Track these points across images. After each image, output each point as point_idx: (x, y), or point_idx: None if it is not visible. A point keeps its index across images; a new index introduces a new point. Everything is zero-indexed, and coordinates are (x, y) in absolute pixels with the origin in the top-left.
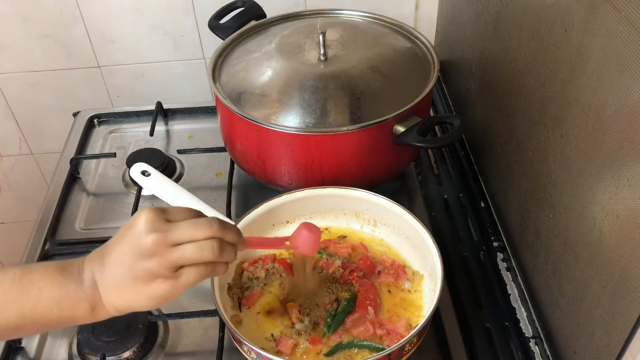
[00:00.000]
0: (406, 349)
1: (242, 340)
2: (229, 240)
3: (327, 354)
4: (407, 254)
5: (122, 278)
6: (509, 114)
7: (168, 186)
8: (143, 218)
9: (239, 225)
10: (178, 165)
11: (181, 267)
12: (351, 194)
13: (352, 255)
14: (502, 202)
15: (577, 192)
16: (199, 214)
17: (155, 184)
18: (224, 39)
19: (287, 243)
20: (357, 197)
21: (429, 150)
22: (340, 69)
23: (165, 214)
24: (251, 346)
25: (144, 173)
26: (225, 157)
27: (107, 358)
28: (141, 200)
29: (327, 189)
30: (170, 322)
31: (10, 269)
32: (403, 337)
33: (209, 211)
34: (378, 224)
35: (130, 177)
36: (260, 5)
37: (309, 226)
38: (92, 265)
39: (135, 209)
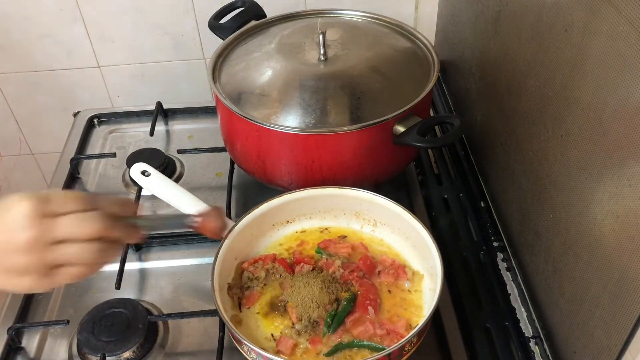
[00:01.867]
0: (406, 349)
1: (242, 340)
2: (114, 237)
3: (327, 354)
4: (407, 254)
5: None
6: (509, 114)
7: (168, 186)
8: (22, 209)
9: (238, 227)
10: (178, 165)
11: (54, 268)
12: (351, 194)
13: (352, 255)
14: (502, 202)
15: (577, 192)
16: (90, 203)
17: (155, 184)
18: (224, 39)
19: (194, 220)
20: (357, 197)
21: (429, 150)
22: (340, 69)
23: (48, 204)
24: (251, 346)
25: (144, 173)
26: (225, 157)
27: (107, 358)
28: (141, 200)
29: (327, 189)
30: (170, 322)
31: None
32: (403, 337)
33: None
34: (378, 224)
35: (130, 177)
36: (260, 5)
37: (216, 213)
38: None
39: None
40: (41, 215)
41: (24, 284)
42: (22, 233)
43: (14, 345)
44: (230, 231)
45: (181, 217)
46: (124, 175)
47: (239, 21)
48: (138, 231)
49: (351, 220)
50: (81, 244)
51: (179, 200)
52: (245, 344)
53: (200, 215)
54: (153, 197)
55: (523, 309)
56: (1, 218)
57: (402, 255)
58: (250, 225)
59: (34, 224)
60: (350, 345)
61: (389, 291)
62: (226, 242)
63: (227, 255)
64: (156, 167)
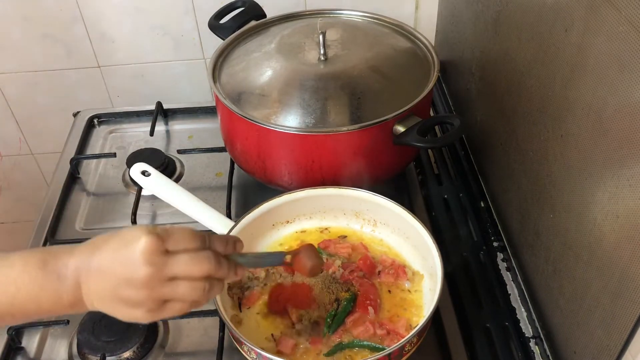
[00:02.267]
0: (406, 349)
1: (242, 340)
2: (220, 276)
3: (327, 354)
4: (407, 254)
5: (105, 293)
6: (509, 114)
7: (168, 186)
8: (142, 245)
9: (238, 227)
10: (178, 165)
11: (164, 303)
12: (351, 194)
13: (352, 255)
14: (502, 202)
15: (577, 192)
16: (202, 242)
17: (155, 184)
18: (224, 39)
19: (288, 258)
20: (357, 197)
21: (429, 150)
22: (340, 69)
23: (165, 243)
24: (251, 346)
25: (144, 173)
26: (225, 157)
27: (107, 358)
28: (141, 200)
29: (327, 189)
30: (170, 322)
31: None
32: (403, 337)
33: (208, 212)
34: (378, 224)
35: (131, 177)
36: (260, 5)
37: (309, 252)
38: (78, 263)
39: (135, 209)
40: (159, 253)
41: (134, 315)
42: (141, 269)
43: (14, 345)
44: (229, 231)
45: (277, 256)
46: (124, 175)
47: (239, 21)
48: (240, 269)
49: (351, 221)
50: (192, 282)
51: (179, 200)
52: (245, 344)
53: (293, 253)
54: (153, 197)
55: (523, 309)
56: (125, 250)
57: (402, 255)
58: (250, 225)
59: (154, 261)
60: (350, 345)
61: (389, 291)
62: None
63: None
64: (156, 167)
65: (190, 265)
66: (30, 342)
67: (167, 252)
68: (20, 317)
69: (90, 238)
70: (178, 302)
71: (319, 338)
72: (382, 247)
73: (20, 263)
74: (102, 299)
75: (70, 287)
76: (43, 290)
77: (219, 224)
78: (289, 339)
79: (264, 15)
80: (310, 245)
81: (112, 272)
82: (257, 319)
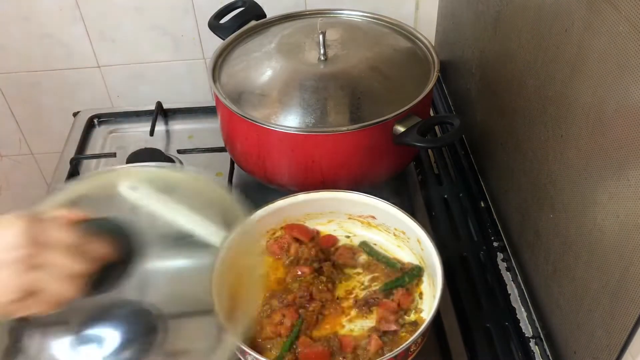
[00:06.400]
0: (411, 350)
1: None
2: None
3: None
4: (406, 255)
5: None
6: (509, 114)
7: (157, 200)
8: (18, 229)
9: (230, 238)
10: (178, 165)
11: (31, 293)
12: (346, 197)
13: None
14: (502, 202)
15: (577, 192)
16: (79, 233)
17: (143, 198)
18: (224, 39)
19: None
20: (352, 200)
21: (429, 150)
22: (340, 69)
23: (42, 228)
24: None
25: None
26: (225, 157)
27: (107, 358)
28: None
29: (320, 193)
30: (171, 322)
31: None
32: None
33: (201, 222)
34: (375, 224)
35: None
36: (260, 5)
37: None
38: None
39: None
40: (36, 237)
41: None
42: (11, 252)
43: (14, 345)
44: (222, 242)
45: None
46: None
47: (239, 21)
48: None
49: (346, 223)
50: (59, 275)
51: (171, 215)
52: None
53: None
54: None
55: (523, 309)
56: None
57: (401, 256)
58: (244, 234)
59: (29, 244)
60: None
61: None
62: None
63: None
64: None
65: (63, 257)
66: (30, 342)
67: (42, 242)
68: None
69: None
70: (43, 297)
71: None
72: (380, 248)
73: None
74: None
75: None
76: None
77: (212, 234)
78: None
79: (264, 15)
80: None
81: None
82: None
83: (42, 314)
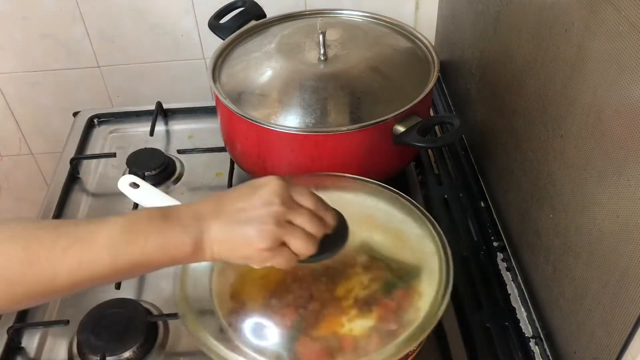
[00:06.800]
0: (411, 350)
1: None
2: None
3: None
4: (406, 254)
5: (232, 233)
6: (509, 113)
7: (158, 198)
8: (276, 186)
9: None
10: (178, 165)
11: (281, 245)
12: (347, 197)
13: None
14: (502, 202)
15: (577, 192)
16: (317, 202)
17: (144, 195)
18: (224, 39)
19: None
20: (353, 199)
21: (429, 150)
22: (340, 69)
23: (292, 191)
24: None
25: (134, 184)
26: (225, 157)
27: (107, 358)
28: None
29: (321, 192)
30: (170, 322)
31: (117, 220)
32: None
33: None
34: (375, 224)
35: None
36: (260, 5)
37: None
38: (201, 212)
39: (135, 209)
40: (289, 196)
41: (252, 253)
42: (271, 207)
43: (14, 345)
44: None
45: None
46: (124, 175)
47: (239, 21)
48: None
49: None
50: (305, 234)
51: None
52: None
53: None
54: None
55: (523, 309)
56: (254, 194)
57: (401, 255)
58: None
59: (285, 202)
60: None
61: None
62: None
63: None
64: (156, 167)
65: (309, 220)
66: (30, 342)
67: (290, 202)
68: (147, 266)
69: None
70: (287, 251)
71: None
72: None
73: (144, 217)
74: (225, 241)
75: (193, 233)
76: (168, 239)
77: None
78: None
79: (264, 15)
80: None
81: (243, 211)
82: None
83: (281, 266)
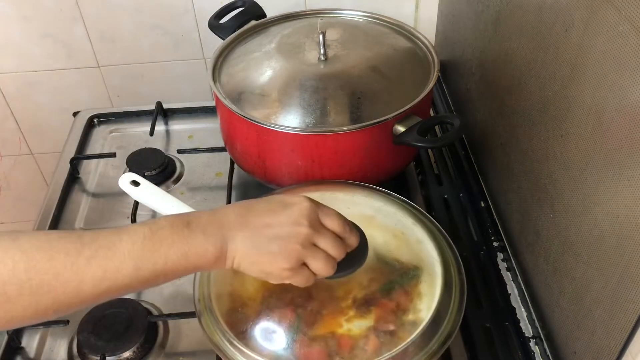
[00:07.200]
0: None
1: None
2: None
3: None
4: (405, 255)
5: (256, 247)
6: (509, 114)
7: (159, 196)
8: (306, 208)
9: None
10: (178, 165)
11: (302, 265)
12: (346, 197)
13: None
14: (502, 202)
15: (577, 192)
16: (343, 225)
17: (145, 194)
18: (224, 39)
19: None
20: (353, 199)
21: (429, 150)
22: (340, 69)
23: (320, 213)
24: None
25: (134, 182)
26: (225, 157)
27: (107, 358)
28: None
29: (321, 192)
30: (170, 322)
31: (138, 228)
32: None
33: None
34: (374, 224)
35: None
36: (260, 5)
37: None
38: (226, 221)
39: (135, 209)
40: (317, 218)
41: (274, 271)
42: (301, 228)
43: (14, 345)
44: None
45: None
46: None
47: (239, 21)
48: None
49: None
50: (327, 257)
51: (172, 211)
52: None
53: None
54: None
55: (523, 309)
56: (287, 211)
57: (400, 256)
58: None
59: (312, 225)
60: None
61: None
62: None
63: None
64: (156, 167)
65: (333, 244)
66: (30, 342)
67: (320, 222)
68: (171, 274)
69: None
70: (307, 271)
71: None
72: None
73: (167, 225)
74: (249, 253)
75: (217, 242)
76: (191, 247)
77: None
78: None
79: (264, 15)
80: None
81: (269, 227)
82: None
83: (299, 285)
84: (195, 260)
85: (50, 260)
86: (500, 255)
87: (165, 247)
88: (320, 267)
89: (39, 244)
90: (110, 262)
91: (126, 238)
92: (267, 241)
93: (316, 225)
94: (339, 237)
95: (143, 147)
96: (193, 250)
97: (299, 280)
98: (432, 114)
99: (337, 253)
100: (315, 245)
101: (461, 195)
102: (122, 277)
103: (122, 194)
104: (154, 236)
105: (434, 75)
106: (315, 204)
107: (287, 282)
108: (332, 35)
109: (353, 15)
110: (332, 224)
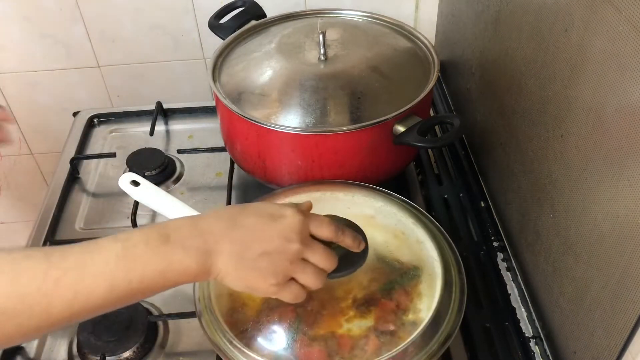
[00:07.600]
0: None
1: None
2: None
3: None
4: (405, 255)
5: (243, 262)
6: (509, 114)
7: (159, 196)
8: (297, 223)
9: None
10: (178, 165)
11: (289, 280)
12: (346, 197)
13: None
14: (502, 202)
15: (577, 192)
16: (335, 232)
17: (145, 194)
18: (224, 39)
19: None
20: (353, 199)
21: (429, 150)
22: (340, 69)
23: (311, 225)
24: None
25: (134, 182)
26: (225, 157)
27: (107, 358)
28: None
29: (321, 192)
30: (170, 322)
31: (111, 245)
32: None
33: None
34: (374, 224)
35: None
36: (260, 5)
37: None
38: (210, 231)
39: (135, 209)
40: (307, 233)
41: (260, 286)
42: (290, 244)
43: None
44: None
45: None
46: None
47: (239, 21)
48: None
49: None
50: (317, 270)
51: (172, 211)
52: None
53: None
54: None
55: (523, 309)
56: (276, 225)
57: (400, 256)
58: None
59: (302, 241)
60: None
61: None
62: None
63: None
64: (156, 167)
65: (322, 257)
66: (30, 342)
67: (307, 240)
68: (148, 292)
69: (90, 238)
70: (295, 285)
71: None
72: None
73: (141, 242)
74: (236, 267)
75: (199, 258)
76: (169, 264)
77: None
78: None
79: (264, 15)
80: None
81: (259, 242)
82: None
83: (287, 301)
84: (173, 277)
85: (14, 283)
86: (500, 255)
87: (141, 266)
88: (310, 280)
89: (1, 265)
90: (81, 283)
91: (98, 258)
92: (255, 257)
93: (306, 240)
94: (330, 248)
95: (143, 147)
96: (171, 267)
97: (287, 296)
98: (432, 113)
99: (328, 265)
100: (304, 260)
101: (461, 195)
102: (94, 298)
103: (122, 194)
104: (128, 254)
105: (434, 75)
106: (306, 215)
107: (274, 297)
108: (332, 35)
109: (353, 15)
110: (323, 233)
